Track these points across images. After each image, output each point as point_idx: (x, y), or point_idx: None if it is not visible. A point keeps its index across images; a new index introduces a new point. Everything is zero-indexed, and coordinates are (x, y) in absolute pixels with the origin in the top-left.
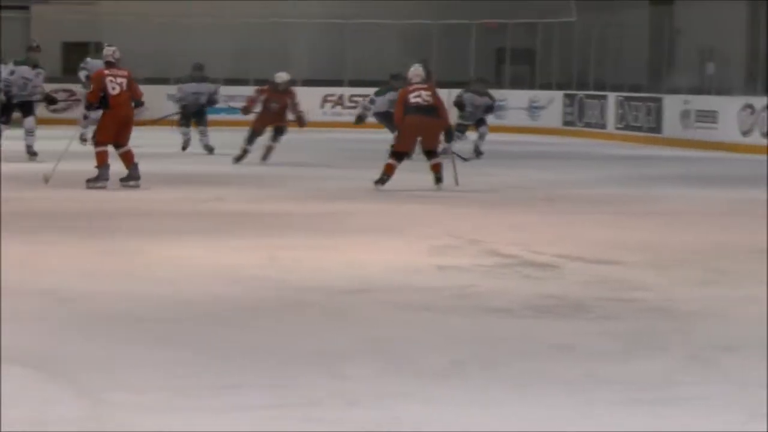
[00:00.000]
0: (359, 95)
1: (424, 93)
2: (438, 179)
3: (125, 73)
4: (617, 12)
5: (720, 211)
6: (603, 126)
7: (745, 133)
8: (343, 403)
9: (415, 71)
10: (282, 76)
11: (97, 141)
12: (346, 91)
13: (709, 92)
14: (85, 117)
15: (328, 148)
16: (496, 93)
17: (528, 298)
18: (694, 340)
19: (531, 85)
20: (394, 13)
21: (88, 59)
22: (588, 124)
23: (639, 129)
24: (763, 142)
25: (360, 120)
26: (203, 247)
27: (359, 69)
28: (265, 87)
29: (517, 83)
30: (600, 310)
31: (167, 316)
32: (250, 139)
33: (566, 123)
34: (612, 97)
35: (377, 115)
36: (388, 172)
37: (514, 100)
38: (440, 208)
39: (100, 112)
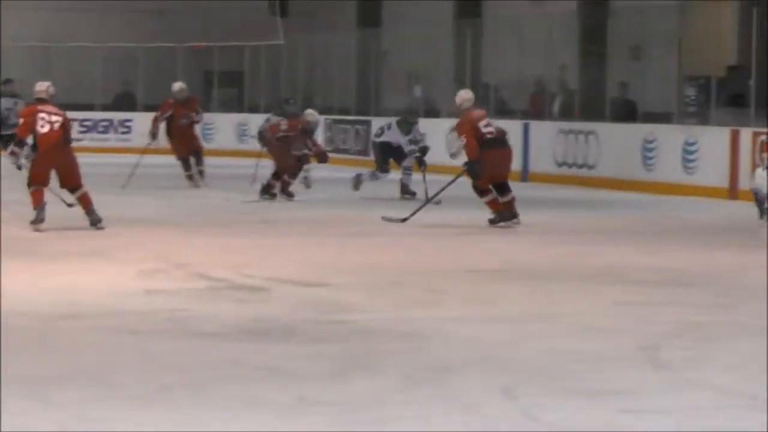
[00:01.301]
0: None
1: (489, 120)
2: (513, 215)
3: (60, 112)
4: (325, 34)
5: (432, 233)
6: None
7: (452, 156)
8: (52, 429)
9: (466, 95)
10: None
11: (30, 182)
12: None
13: (417, 115)
14: (13, 153)
15: None
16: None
17: (238, 321)
18: (408, 360)
19: (239, 108)
20: (99, 36)
21: None
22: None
23: (348, 152)
24: None
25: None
26: None
27: (65, 93)
28: None
29: (225, 106)
30: (311, 333)
31: None
32: None
33: None
34: (321, 121)
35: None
36: (496, 208)
37: (222, 122)
38: (149, 232)
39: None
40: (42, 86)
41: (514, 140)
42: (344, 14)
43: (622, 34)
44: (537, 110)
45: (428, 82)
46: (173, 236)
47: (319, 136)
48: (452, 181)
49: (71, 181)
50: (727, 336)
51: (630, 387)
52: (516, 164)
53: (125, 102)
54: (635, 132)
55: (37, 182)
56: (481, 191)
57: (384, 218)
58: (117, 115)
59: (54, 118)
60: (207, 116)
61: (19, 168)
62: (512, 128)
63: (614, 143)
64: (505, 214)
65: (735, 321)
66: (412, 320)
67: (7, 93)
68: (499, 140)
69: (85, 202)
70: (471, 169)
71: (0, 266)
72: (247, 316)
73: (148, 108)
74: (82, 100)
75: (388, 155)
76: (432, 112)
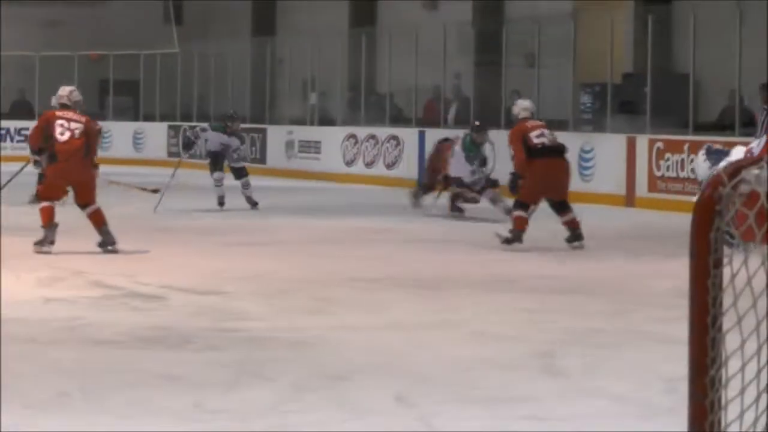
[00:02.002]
0: None
1: (546, 131)
2: (578, 236)
3: (83, 119)
4: (220, 43)
5: (323, 240)
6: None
7: (348, 163)
8: None
9: (523, 104)
10: None
11: (41, 196)
12: None
13: (312, 123)
14: (36, 162)
15: None
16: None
17: (135, 329)
18: (303, 368)
19: (135, 117)
20: None
21: None
22: (192, 155)
23: (243, 160)
24: (366, 171)
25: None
26: None
27: None
28: None
29: (121, 114)
30: (206, 341)
31: None
32: None
33: (171, 154)
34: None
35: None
36: (520, 227)
37: (118, 131)
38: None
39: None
40: (64, 91)
41: (409, 149)
42: (239, 22)
43: (517, 42)
44: (432, 118)
45: (323, 89)
46: (69, 244)
47: None
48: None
49: (85, 197)
50: (622, 343)
51: (526, 394)
52: (411, 172)
53: (22, 110)
54: None
55: (48, 197)
56: (517, 204)
57: (498, 236)
58: (13, 124)
59: (74, 125)
60: (103, 124)
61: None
62: (408, 136)
63: (510, 151)
64: (568, 235)
65: (630, 328)
66: (307, 328)
67: None
68: (552, 149)
69: (98, 220)
70: (511, 181)
71: None
72: (143, 324)
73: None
74: None
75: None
76: (327, 121)
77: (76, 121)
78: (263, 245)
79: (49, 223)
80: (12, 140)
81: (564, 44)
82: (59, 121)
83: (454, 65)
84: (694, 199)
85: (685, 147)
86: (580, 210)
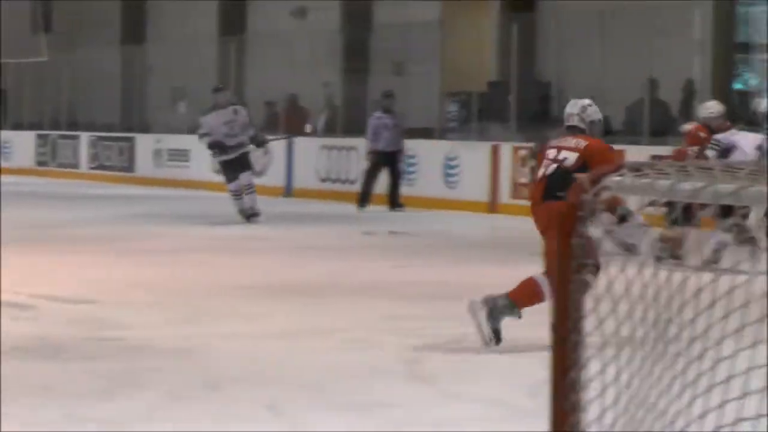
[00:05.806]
0: None
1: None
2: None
3: (581, 145)
4: (89, 50)
5: (196, 248)
6: (76, 166)
7: (217, 172)
8: None
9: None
10: None
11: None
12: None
13: (181, 131)
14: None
15: None
16: None
17: (6, 339)
18: (176, 377)
19: (2, 126)
20: None
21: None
22: (61, 164)
23: (112, 168)
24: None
25: None
26: None
27: None
28: None
29: None
30: (79, 350)
31: None
32: None
33: (39, 163)
34: (85, 137)
35: None
36: None
37: None
38: None
39: None
40: (577, 105)
41: (279, 156)
42: (108, 30)
43: (384, 49)
44: (294, 125)
45: (193, 97)
46: None
47: (83, 153)
48: None
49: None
50: (482, 349)
51: (395, 400)
52: (279, 179)
53: None
54: None
55: (549, 268)
56: None
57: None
58: None
59: (566, 153)
60: None
61: None
62: (277, 144)
63: None
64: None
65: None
66: (181, 337)
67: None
68: None
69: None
70: None
71: None
72: (15, 334)
73: None
74: None
75: None
76: (196, 129)
77: (569, 148)
78: (134, 253)
79: (529, 297)
80: None
81: (431, 52)
82: (551, 150)
83: (324, 73)
84: None
85: None
86: (445, 217)
